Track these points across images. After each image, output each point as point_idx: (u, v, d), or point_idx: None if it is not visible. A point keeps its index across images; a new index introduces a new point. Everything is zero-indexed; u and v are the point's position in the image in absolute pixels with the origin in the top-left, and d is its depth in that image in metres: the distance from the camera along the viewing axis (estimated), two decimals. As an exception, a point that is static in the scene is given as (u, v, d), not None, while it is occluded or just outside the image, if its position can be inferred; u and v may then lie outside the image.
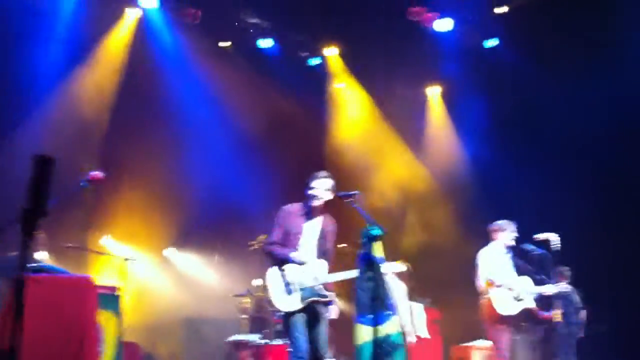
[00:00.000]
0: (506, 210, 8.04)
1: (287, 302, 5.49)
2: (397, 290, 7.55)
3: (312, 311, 5.54)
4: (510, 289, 7.13)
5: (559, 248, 6.95)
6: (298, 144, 11.52)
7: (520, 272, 7.42)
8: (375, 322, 5.41)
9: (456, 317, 10.27)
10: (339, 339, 9.80)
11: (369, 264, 5.44)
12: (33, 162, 2.72)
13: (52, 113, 9.67)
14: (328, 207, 5.81)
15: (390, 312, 5.76)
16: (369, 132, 12.67)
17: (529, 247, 7.33)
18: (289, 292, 5.50)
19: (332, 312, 5.71)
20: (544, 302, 7.37)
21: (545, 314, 7.45)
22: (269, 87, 11.45)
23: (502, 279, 7.13)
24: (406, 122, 12.66)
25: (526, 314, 7.33)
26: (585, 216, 10.02)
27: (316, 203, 5.67)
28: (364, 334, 5.63)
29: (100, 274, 9.12)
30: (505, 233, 7.32)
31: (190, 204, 10.70)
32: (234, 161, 10.97)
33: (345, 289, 11.18)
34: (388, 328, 5.70)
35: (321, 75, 12.40)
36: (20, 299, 2.82)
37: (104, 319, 7.70)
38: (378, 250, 5.59)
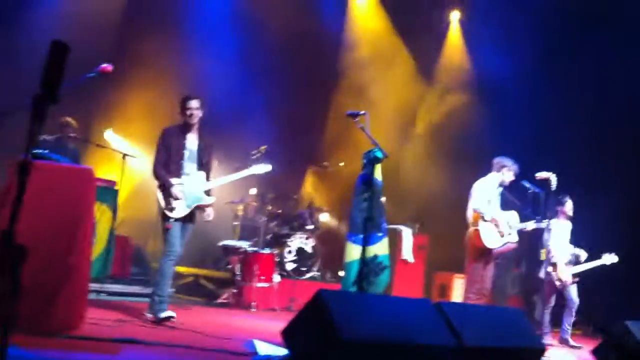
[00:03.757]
0: (510, 146, 7.96)
1: (177, 210, 6.10)
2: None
3: (190, 216, 6.21)
4: (496, 223, 7.17)
5: (554, 188, 6.97)
6: (312, 59, 11.43)
7: (508, 207, 7.48)
8: (366, 242, 5.54)
9: (443, 246, 10.45)
10: (325, 254, 10.03)
11: (368, 185, 5.52)
12: (50, 48, 2.69)
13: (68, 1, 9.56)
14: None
15: (382, 234, 5.84)
16: (384, 52, 12.56)
17: (528, 184, 7.36)
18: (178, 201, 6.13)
19: (210, 215, 6.36)
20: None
21: None
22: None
23: (489, 212, 7.14)
24: (424, 45, 12.52)
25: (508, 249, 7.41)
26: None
27: (193, 121, 6.22)
28: (354, 252, 5.73)
29: (100, 167, 9.18)
30: (507, 171, 7.28)
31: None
32: (246, 71, 10.91)
33: (336, 207, 11.39)
34: (377, 249, 5.79)
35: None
36: (23, 183, 2.84)
37: (100, 211, 7.82)
38: (378, 172, 5.66)
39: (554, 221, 7.90)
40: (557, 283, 7.96)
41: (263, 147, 9.82)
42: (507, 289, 10.72)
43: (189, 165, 6.26)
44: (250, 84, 10.90)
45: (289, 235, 9.57)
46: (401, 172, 11.29)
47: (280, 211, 10.14)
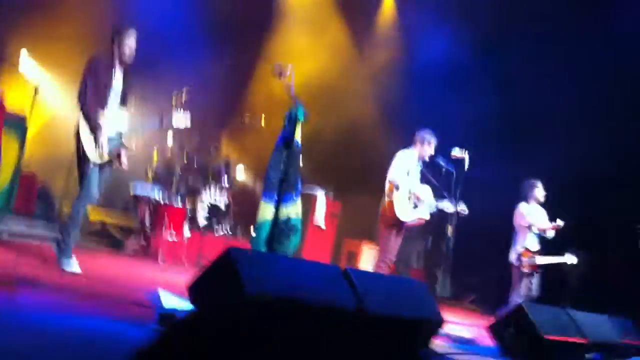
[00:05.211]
0: (437, 122, 7.98)
1: (97, 154, 5.71)
2: None
3: (108, 161, 5.85)
4: (409, 196, 7.16)
5: (467, 168, 7.03)
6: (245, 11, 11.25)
7: (425, 184, 7.56)
8: (279, 202, 5.51)
9: (355, 213, 10.59)
10: (239, 211, 10.00)
11: (287, 145, 5.49)
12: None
13: None
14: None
15: (296, 196, 5.77)
16: (317, 18, 12.48)
17: (442, 161, 7.28)
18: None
19: (126, 163, 5.97)
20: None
21: None
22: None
23: (404, 184, 7.12)
24: (357, 16, 12.50)
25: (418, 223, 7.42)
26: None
27: (128, 59, 5.79)
28: (267, 212, 5.65)
29: (9, 93, 8.69)
30: (425, 145, 7.23)
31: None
32: (176, 8, 10.59)
33: (253, 165, 11.33)
34: (290, 210, 5.71)
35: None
36: None
37: (5, 140, 7.41)
38: (298, 133, 5.62)
39: (522, 205, 7.89)
40: (525, 270, 7.65)
41: (186, 89, 9.49)
42: (412, 262, 11.00)
43: (112, 104, 5.82)
44: (178, 21, 10.53)
45: (202, 189, 9.43)
46: (322, 137, 11.31)
47: (196, 162, 9.94)
